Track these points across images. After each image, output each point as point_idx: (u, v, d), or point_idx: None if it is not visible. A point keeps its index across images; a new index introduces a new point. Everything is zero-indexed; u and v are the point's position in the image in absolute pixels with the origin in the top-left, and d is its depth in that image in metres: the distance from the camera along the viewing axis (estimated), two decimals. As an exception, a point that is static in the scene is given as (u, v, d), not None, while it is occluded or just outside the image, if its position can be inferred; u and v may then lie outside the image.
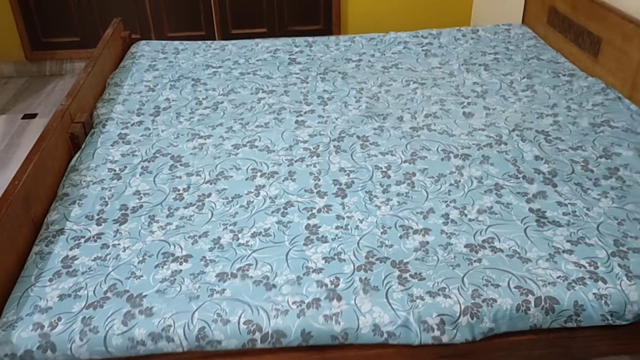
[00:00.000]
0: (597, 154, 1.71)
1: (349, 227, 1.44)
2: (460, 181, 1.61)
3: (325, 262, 1.33)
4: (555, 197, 1.53)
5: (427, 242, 1.38)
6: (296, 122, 1.96)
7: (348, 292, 1.24)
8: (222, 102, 2.11)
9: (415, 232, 1.42)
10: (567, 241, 1.37)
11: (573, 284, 1.24)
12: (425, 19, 3.67)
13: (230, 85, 2.25)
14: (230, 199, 1.57)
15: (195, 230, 1.45)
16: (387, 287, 1.25)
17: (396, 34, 2.71)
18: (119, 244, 1.41)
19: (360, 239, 1.40)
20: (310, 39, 2.70)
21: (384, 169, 1.68)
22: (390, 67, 2.39)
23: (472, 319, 1.19)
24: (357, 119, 1.97)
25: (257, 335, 1.18)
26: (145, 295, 1.24)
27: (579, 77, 2.20)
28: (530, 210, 1.48)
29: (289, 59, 2.50)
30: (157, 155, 1.78)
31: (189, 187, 1.62)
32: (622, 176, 1.60)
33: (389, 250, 1.36)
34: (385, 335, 1.19)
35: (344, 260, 1.34)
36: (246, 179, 1.65)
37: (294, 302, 1.23)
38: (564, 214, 1.46)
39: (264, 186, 1.61)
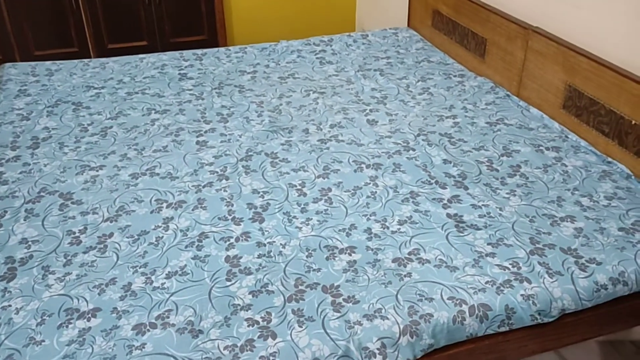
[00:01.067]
0: (498, 153, 1.77)
1: (271, 254, 1.36)
2: (376, 192, 1.59)
3: (253, 296, 1.24)
4: (468, 199, 1.55)
5: (355, 261, 1.34)
6: (197, 143, 1.83)
7: (282, 328, 1.16)
8: (110, 127, 1.92)
9: (341, 251, 1.37)
10: (488, 244, 1.39)
11: (501, 288, 1.26)
12: (311, 25, 3.67)
13: (117, 107, 2.06)
14: (135, 237, 1.41)
15: (100, 277, 1.29)
16: (322, 316, 1.19)
17: (288, 43, 2.65)
18: (9, 306, 1.21)
19: (286, 265, 1.32)
20: (199, 51, 2.56)
21: (299, 187, 1.61)
22: (287, 78, 2.33)
23: (412, 337, 1.16)
24: (262, 134, 1.89)
25: (189, 391, 1.07)
26: (51, 365, 1.08)
27: (468, 77, 2.28)
28: (448, 215, 1.49)
29: (179, 74, 2.35)
30: (42, 194, 1.57)
31: (85, 229, 1.44)
32: (524, 173, 1.67)
33: (318, 274, 1.30)
34: (327, 368, 1.13)
35: (273, 292, 1.25)
36: (151, 212, 1.50)
37: (225, 347, 1.12)
38: (479, 216, 1.49)
39: (172, 218, 1.48)
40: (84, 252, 1.36)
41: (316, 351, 1.12)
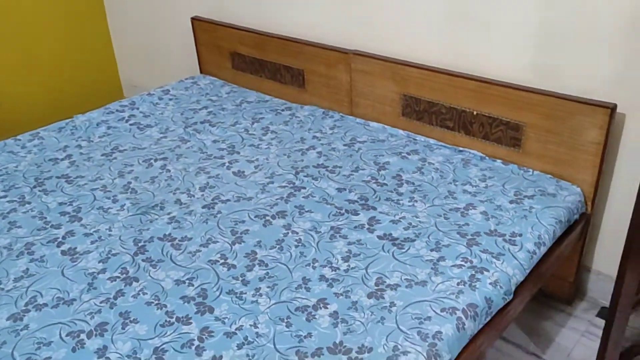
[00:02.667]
0: (375, 169, 1.86)
1: (249, 339, 1.20)
2: (300, 239, 1.51)
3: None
4: (384, 217, 1.59)
5: (336, 312, 1.26)
6: (63, 253, 1.49)
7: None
8: None
9: (315, 307, 1.28)
10: (431, 250, 1.46)
11: (473, 284, 1.34)
12: (73, 97, 3.30)
13: None
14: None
15: None
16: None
17: (85, 115, 2.34)
18: None
19: (275, 344, 1.18)
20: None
21: (222, 261, 1.45)
22: (112, 153, 2.05)
23: (436, 359, 1.17)
24: (134, 220, 1.63)
25: None
26: None
27: (296, 108, 2.34)
28: (379, 237, 1.52)
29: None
30: None
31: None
32: (408, 180, 1.79)
33: (313, 340, 1.19)
34: None
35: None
36: (72, 350, 1.17)
37: None
38: (404, 229, 1.55)
39: (104, 348, 1.18)
40: None
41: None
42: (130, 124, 2.28)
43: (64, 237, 1.57)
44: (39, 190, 1.81)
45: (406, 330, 1.21)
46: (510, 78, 1.81)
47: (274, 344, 1.19)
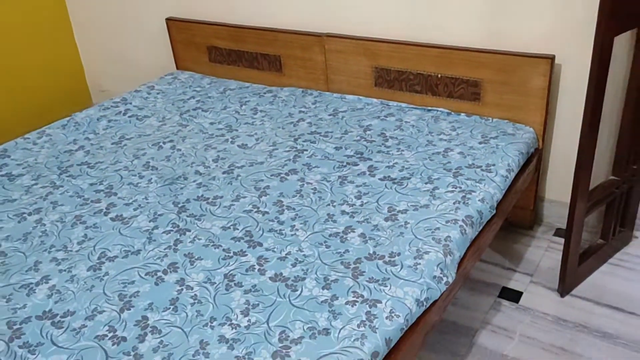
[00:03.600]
0: (361, 130, 2.15)
1: (308, 259, 1.47)
2: (316, 188, 1.80)
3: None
4: (380, 164, 1.90)
5: (377, 226, 1.57)
6: (115, 219, 1.70)
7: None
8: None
9: (353, 230, 1.57)
10: (425, 184, 1.77)
11: (466, 202, 1.67)
12: (40, 105, 3.41)
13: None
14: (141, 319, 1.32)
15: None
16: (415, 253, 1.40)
17: (83, 113, 2.50)
18: None
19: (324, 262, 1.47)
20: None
21: (258, 208, 1.70)
22: (121, 141, 2.24)
23: (449, 256, 1.48)
24: (164, 190, 1.85)
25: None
26: None
27: (276, 91, 2.61)
28: (381, 180, 1.82)
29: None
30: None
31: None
32: (392, 136, 2.10)
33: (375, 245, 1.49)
34: None
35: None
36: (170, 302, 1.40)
37: None
38: (400, 170, 1.86)
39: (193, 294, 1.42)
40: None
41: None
42: (129, 117, 2.47)
43: (107, 208, 1.77)
44: (66, 176, 1.99)
45: (423, 238, 1.52)
46: (466, 43, 2.17)
47: (321, 260, 1.46)
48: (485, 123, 2.14)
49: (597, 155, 1.80)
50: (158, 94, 2.70)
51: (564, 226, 2.28)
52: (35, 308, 1.36)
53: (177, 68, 3.04)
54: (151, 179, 1.94)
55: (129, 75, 3.48)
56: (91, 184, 1.93)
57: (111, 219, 1.72)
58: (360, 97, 2.44)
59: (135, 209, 1.76)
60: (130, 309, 1.34)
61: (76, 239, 1.63)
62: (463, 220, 1.59)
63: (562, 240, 2.22)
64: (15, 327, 1.31)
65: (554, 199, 2.32)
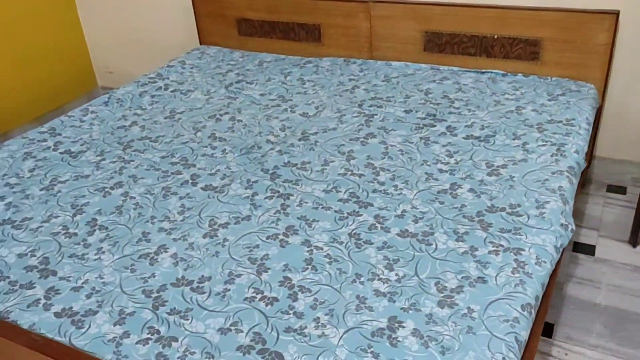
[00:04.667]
0: (422, 94, 2.14)
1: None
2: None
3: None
4: (456, 124, 1.89)
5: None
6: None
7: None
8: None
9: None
10: (513, 139, 1.78)
11: (564, 154, 1.68)
12: (42, 92, 3.25)
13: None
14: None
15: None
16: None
17: (121, 90, 2.38)
18: None
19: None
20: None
21: (351, 172, 1.67)
22: (173, 115, 2.15)
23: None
24: (244, 159, 1.79)
25: None
26: None
27: (317, 62, 2.56)
28: (465, 138, 1.81)
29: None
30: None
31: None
32: (454, 98, 2.09)
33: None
34: None
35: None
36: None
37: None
38: (480, 129, 1.86)
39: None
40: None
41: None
42: (171, 91, 2.37)
43: (193, 179, 1.70)
44: (132, 151, 1.89)
45: (536, 189, 1.52)
46: (524, 2, 2.17)
47: (441, 215, 1.45)
48: (546, 82, 2.16)
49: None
50: (192, 68, 2.60)
51: (614, 183, 2.34)
52: (166, 276, 1.29)
53: (201, 43, 2.94)
54: (225, 149, 1.87)
55: (139, 54, 3.35)
56: (163, 157, 1.84)
57: (202, 188, 1.65)
58: (408, 62, 2.42)
59: (222, 179, 1.70)
60: (267, 271, 1.29)
61: (175, 209, 1.56)
62: (567, 171, 1.61)
63: (618, 196, 2.29)
64: (153, 295, 1.25)
65: (604, 156, 2.37)
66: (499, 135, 1.82)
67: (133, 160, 1.84)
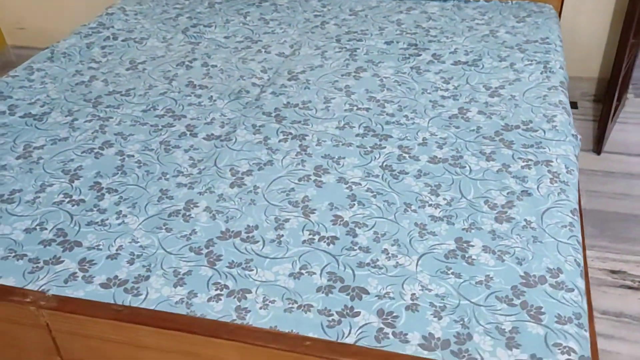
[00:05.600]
0: (394, 26, 2.12)
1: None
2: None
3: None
4: (440, 52, 1.90)
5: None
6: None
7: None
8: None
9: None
10: (500, 61, 1.82)
11: (550, 69, 1.74)
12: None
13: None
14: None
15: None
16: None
17: (64, 43, 2.12)
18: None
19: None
20: None
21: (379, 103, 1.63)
22: (136, 66, 1.96)
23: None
24: (236, 105, 1.68)
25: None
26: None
27: (274, 1, 2.44)
28: (453, 64, 1.83)
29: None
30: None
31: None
32: (428, 27, 2.09)
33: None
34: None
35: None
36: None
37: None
38: (465, 54, 1.88)
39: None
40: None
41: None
42: (123, 40, 2.15)
43: (189, 130, 1.57)
44: (105, 108, 1.70)
45: (539, 105, 1.57)
46: None
47: (477, 132, 1.46)
48: (508, 5, 2.21)
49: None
50: (136, 15, 2.38)
51: (573, 99, 2.49)
52: (209, 231, 1.21)
53: (136, -12, 2.69)
54: (211, 96, 1.74)
55: (54, 5, 3.01)
56: (144, 111, 1.68)
57: (204, 139, 1.54)
58: (405, -2, 2.38)
59: (222, 127, 1.59)
60: (314, 212, 1.25)
61: (184, 162, 1.44)
62: (560, 86, 1.68)
63: (578, 111, 2.44)
64: (204, 251, 1.16)
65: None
66: (485, 58, 1.85)
67: (111, 117, 1.67)
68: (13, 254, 1.17)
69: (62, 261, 1.15)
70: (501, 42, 1.94)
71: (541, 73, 1.74)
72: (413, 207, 1.24)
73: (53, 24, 3.05)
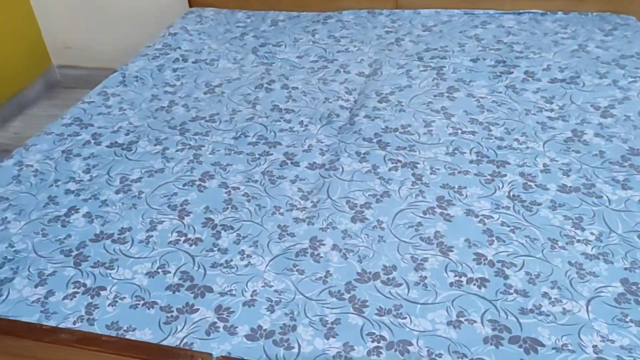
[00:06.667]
0: (472, 41, 2.05)
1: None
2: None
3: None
4: (533, 69, 1.82)
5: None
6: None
7: None
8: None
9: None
10: (600, 78, 1.75)
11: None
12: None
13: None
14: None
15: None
16: None
17: (130, 66, 2.06)
18: None
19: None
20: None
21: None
22: (213, 89, 1.89)
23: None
24: (329, 130, 1.62)
25: None
26: None
27: (336, 16, 2.36)
28: (550, 82, 1.76)
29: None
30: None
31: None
32: (510, 42, 2.02)
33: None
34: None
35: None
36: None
37: None
38: (560, 71, 1.81)
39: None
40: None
41: None
42: (193, 62, 2.08)
43: (289, 158, 1.50)
44: (193, 135, 1.62)
45: (659, 126, 1.50)
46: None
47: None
48: (588, 17, 2.14)
49: None
50: (200, 34, 2.31)
51: None
52: (345, 272, 1.12)
53: (191, 6, 2.63)
54: (301, 121, 1.67)
55: (103, 24, 2.95)
56: (235, 138, 1.60)
57: (307, 167, 1.45)
58: (438, 10, 2.30)
59: (322, 154, 1.51)
60: (452, 251, 1.17)
61: (293, 194, 1.35)
62: None
63: None
64: (345, 296, 1.07)
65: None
66: (583, 75, 1.77)
67: (203, 146, 1.59)
68: (142, 302, 1.09)
69: (197, 309, 1.07)
70: (595, 58, 1.86)
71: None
72: (560, 244, 1.16)
73: (98, 44, 2.99)
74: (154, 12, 2.81)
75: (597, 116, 1.57)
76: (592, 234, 1.18)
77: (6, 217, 1.34)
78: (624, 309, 1.01)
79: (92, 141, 1.65)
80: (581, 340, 0.96)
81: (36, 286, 1.13)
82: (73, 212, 1.35)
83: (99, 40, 3.01)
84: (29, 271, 1.17)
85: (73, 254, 1.22)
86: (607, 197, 1.28)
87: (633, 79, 1.72)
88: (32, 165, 1.54)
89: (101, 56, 3.06)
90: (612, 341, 0.96)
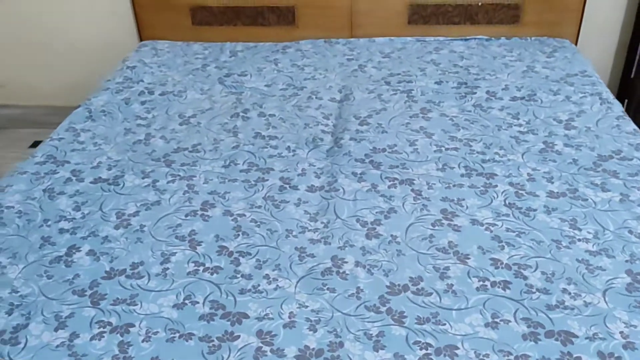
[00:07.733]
0: (429, 65, 2.17)
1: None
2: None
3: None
4: (492, 89, 1.96)
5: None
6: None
7: None
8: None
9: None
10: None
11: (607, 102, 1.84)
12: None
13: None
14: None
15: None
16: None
17: (94, 100, 1.98)
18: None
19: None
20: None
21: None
22: (187, 123, 1.87)
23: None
24: (318, 154, 1.65)
25: None
26: None
27: (293, 45, 2.41)
28: (511, 99, 1.90)
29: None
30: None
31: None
32: (465, 66, 2.16)
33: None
34: None
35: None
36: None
37: None
38: (517, 89, 1.95)
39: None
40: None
41: None
42: (160, 94, 2.05)
43: (286, 182, 1.51)
44: (179, 166, 1.60)
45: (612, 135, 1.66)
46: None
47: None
48: (528, 42, 2.33)
49: None
50: (160, 67, 2.28)
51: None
52: (373, 287, 1.15)
53: (141, 39, 2.58)
54: (288, 147, 1.69)
55: (38, 59, 2.82)
56: (225, 166, 1.60)
57: (307, 190, 1.48)
58: (392, 37, 2.42)
59: (317, 177, 1.54)
60: (469, 259, 1.23)
61: (301, 216, 1.37)
62: (624, 115, 1.77)
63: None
64: (382, 310, 1.10)
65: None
66: (539, 93, 1.93)
67: (194, 176, 1.57)
68: (178, 334, 1.06)
69: (238, 336, 1.05)
70: (544, 77, 2.04)
71: (601, 104, 1.84)
72: (564, 244, 1.26)
73: (36, 81, 2.85)
74: (95, 47, 2.72)
75: (562, 128, 1.72)
76: (589, 232, 1.29)
77: (0, 262, 1.25)
78: (636, 296, 1.11)
79: (74, 178, 1.58)
80: (608, 328, 1.05)
81: (56, 330, 1.07)
82: (74, 251, 1.29)
83: (36, 76, 2.87)
84: (44, 315, 1.10)
85: (87, 293, 1.16)
86: (591, 199, 1.40)
87: (583, 94, 1.91)
88: (13, 207, 1.45)
89: (39, 93, 2.92)
90: (635, 326, 1.05)
